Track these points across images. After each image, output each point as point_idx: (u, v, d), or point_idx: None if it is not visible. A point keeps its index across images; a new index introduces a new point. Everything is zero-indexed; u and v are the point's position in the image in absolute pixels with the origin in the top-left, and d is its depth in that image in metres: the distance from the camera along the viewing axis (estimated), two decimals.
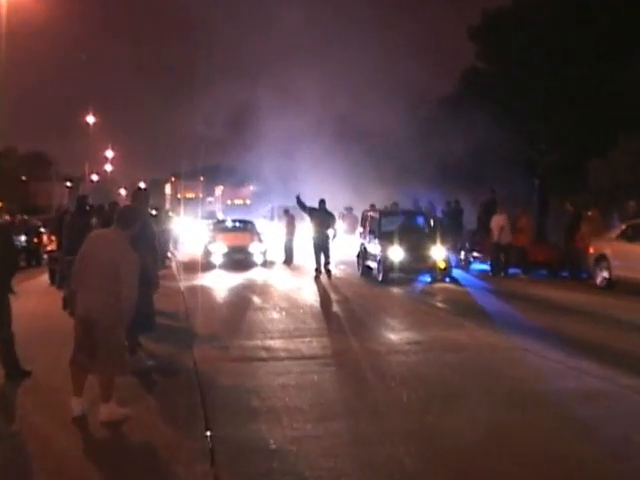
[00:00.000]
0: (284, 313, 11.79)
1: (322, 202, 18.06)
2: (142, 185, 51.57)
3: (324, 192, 19.59)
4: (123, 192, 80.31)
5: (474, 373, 7.59)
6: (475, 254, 19.88)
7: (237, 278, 17.57)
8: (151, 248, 7.54)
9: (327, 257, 17.57)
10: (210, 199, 56.04)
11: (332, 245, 17.86)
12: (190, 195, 54.82)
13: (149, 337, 8.49)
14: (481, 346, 8.94)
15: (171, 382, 7.29)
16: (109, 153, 71.71)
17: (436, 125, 28.86)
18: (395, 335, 9.81)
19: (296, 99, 33.42)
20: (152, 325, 7.98)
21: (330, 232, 17.69)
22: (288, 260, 21.80)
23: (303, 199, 18.10)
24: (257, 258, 20.78)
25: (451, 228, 19.13)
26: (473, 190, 24.21)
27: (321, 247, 17.51)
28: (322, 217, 17.66)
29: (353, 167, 32.72)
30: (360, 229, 19.64)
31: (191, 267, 20.22)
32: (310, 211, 17.93)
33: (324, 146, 33.21)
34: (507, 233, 17.77)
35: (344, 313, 11.94)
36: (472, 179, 27.02)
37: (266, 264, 20.82)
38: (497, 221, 17.94)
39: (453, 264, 17.54)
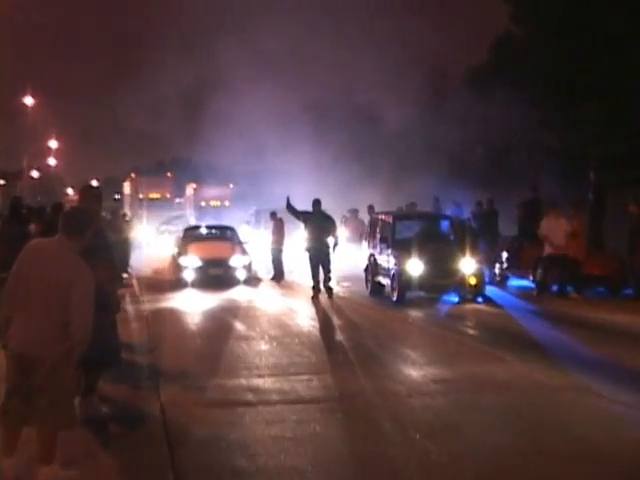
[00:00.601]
0: (275, 343, 11.74)
1: (317, 203, 17.99)
2: (94, 183, 51.42)
3: (319, 192, 19.53)
4: (70, 192, 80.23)
5: (519, 421, 7.49)
6: (512, 267, 19.73)
7: (214, 299, 17.58)
8: (108, 262, 7.39)
9: (327, 272, 17.55)
10: (180, 200, 55.97)
11: (333, 257, 17.83)
12: (155, 195, 54.71)
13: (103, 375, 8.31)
14: (526, 386, 8.90)
15: (132, 435, 7.19)
16: (53, 144, 71.81)
17: (457, 107, 28.93)
18: (416, 371, 9.75)
19: (282, 75, 33.65)
20: (119, 359, 7.84)
21: (330, 241, 17.60)
22: (278, 276, 21.81)
23: (294, 202, 18.15)
24: (239, 273, 20.76)
25: (483, 235, 19.00)
26: (503, 187, 24.18)
27: (319, 260, 17.48)
28: (319, 222, 17.61)
29: (356, 161, 32.83)
30: (367, 236, 19.60)
31: (157, 285, 20.29)
32: (304, 216, 17.86)
33: (318, 136, 33.36)
34: (562, 241, 17.50)
35: (350, 343, 11.88)
36: (502, 173, 27.04)
37: (251, 281, 20.85)
38: (556, 226, 17.68)
39: (486, 280, 17.54)
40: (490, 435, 7.04)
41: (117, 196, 65.82)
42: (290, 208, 17.97)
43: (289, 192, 18.58)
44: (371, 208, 23.44)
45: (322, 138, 33.48)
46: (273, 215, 23.23)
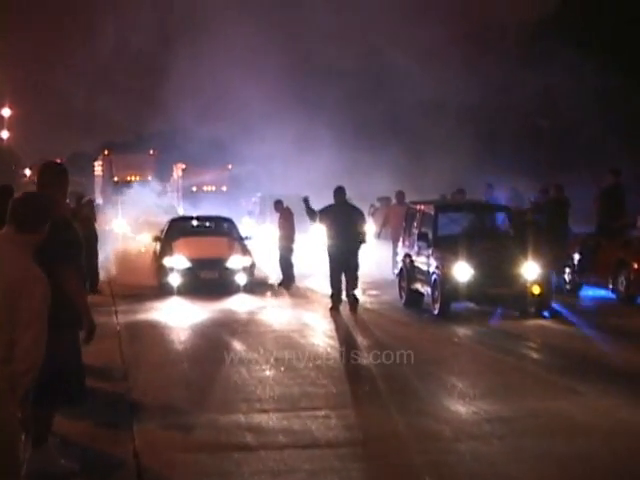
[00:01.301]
0: (283, 369, 11.69)
1: (340, 192, 17.94)
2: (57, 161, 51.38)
3: (337, 175, 19.43)
4: (28, 172, 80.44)
5: (598, 475, 7.41)
6: (587, 272, 19.56)
7: (207, 310, 17.57)
8: (73, 264, 7.28)
9: (353, 279, 17.49)
10: (165, 184, 55.93)
11: (361, 259, 17.75)
12: (133, 177, 54.71)
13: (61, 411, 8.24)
14: (607, 428, 8.79)
15: None
16: (5, 112, 71.99)
17: (510, 68, 28.90)
18: (465, 407, 9.65)
19: (290, 37, 33.89)
20: (81, 393, 7.66)
21: (357, 239, 17.47)
22: (287, 281, 21.81)
23: (306, 191, 18.27)
24: (239, 278, 20.75)
25: (551, 231, 18.78)
26: (569, 171, 24.07)
27: (343, 262, 17.38)
28: (343, 215, 17.49)
29: (381, 139, 32.90)
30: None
31: (133, 292, 20.35)
32: (323, 211, 17.85)
33: (336, 106, 33.43)
34: None
35: (379, 369, 11.80)
36: (569, 153, 26.96)
37: (253, 287, 20.80)
38: None
39: (554, 289, 17.45)
40: None
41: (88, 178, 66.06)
42: (309, 210, 17.93)
43: (302, 176, 18.53)
44: (400, 195, 23.24)
45: (341, 110, 33.54)
46: (278, 204, 23.20)
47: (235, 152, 45.29)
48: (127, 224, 40.66)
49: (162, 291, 20.23)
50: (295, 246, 22.34)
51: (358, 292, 17.79)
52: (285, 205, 22.91)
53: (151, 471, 7.41)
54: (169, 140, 60.83)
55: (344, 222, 17.37)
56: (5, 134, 75.07)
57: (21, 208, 5.91)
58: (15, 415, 5.71)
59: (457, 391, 10.41)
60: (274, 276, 22.63)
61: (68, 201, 23.22)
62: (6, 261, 5.66)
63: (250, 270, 21.03)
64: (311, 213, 17.93)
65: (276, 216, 23.35)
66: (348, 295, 17.40)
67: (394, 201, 24.61)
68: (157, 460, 7.70)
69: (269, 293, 20.70)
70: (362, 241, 17.68)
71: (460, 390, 10.46)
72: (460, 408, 9.59)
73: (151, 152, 59.91)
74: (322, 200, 18.43)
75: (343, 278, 17.47)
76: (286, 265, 22.05)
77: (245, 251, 21.46)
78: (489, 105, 30.20)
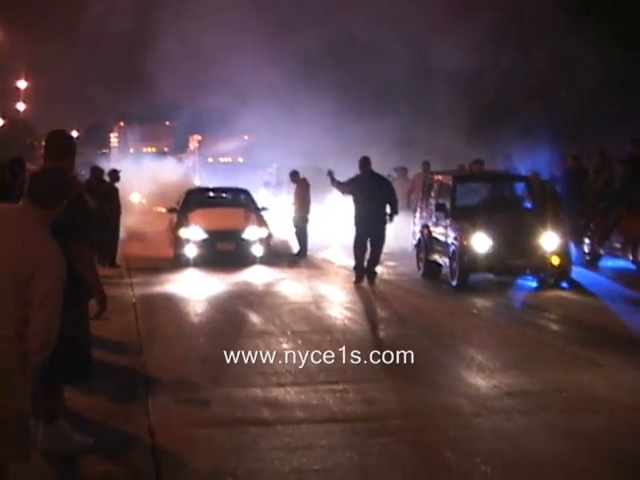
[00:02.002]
0: (300, 342, 11.67)
1: (366, 162, 17.66)
2: (74, 134, 51.47)
3: (360, 149, 19.26)
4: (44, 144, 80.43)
5: (624, 451, 7.28)
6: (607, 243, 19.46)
7: (223, 282, 17.60)
8: (87, 240, 7.21)
9: (377, 254, 17.36)
10: (181, 155, 56.05)
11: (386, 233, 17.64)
12: (149, 149, 54.85)
13: (76, 387, 8.27)
14: (634, 401, 8.72)
15: (110, 471, 7.03)
16: (22, 84, 72.08)
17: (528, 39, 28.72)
18: (485, 380, 9.58)
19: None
20: (88, 371, 7.59)
21: (385, 211, 17.32)
22: (303, 250, 21.92)
23: (325, 162, 18.19)
24: (255, 249, 20.76)
25: (570, 201, 18.65)
26: (588, 141, 23.87)
27: (370, 237, 17.20)
28: (370, 187, 17.24)
29: (402, 107, 32.81)
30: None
31: (149, 264, 20.34)
32: (349, 183, 17.67)
33: (358, 73, 33.31)
34: None
35: (398, 342, 11.72)
36: (590, 124, 26.76)
37: (270, 259, 20.80)
38: None
39: (573, 259, 17.36)
40: (585, 473, 6.87)
41: (104, 150, 66.34)
42: (336, 184, 17.78)
43: (318, 148, 18.40)
44: (426, 165, 23.19)
45: (361, 76, 33.42)
46: (294, 175, 23.31)
47: (252, 123, 45.26)
48: (143, 196, 40.65)
49: (178, 263, 20.30)
50: (310, 217, 22.37)
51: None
52: (301, 176, 22.86)
53: (166, 447, 7.35)
54: (184, 112, 60.89)
55: (372, 194, 17.11)
56: (21, 106, 75.20)
57: (39, 182, 5.82)
58: (26, 392, 5.65)
59: (476, 364, 10.35)
60: (290, 247, 22.72)
61: (83, 173, 23.10)
62: (21, 236, 5.56)
63: (266, 242, 21.06)
64: (339, 186, 17.81)
65: (293, 187, 23.36)
66: (369, 270, 17.27)
67: (419, 170, 24.69)
68: (172, 436, 7.65)
69: (285, 265, 20.68)
70: (395, 212, 17.42)
71: (480, 363, 10.41)
72: (480, 381, 9.51)
73: (167, 123, 60.04)
74: (340, 172, 18.30)
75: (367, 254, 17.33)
76: (301, 234, 22.20)
77: (261, 222, 21.47)
78: (503, 75, 29.89)
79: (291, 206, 23.06)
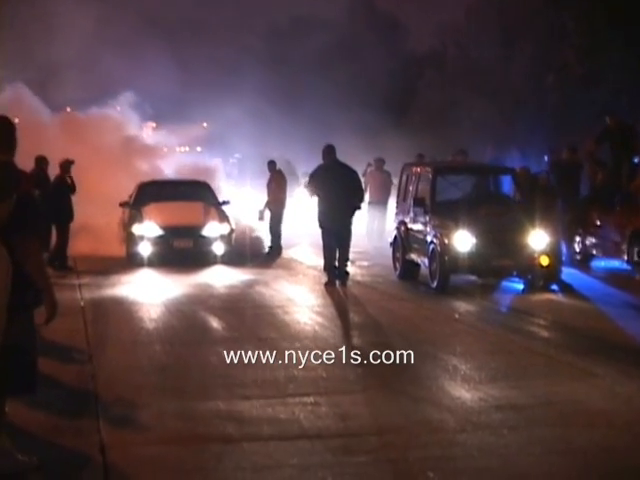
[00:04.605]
0: (267, 350, 11.57)
1: (330, 151, 17.71)
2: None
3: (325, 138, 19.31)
4: None
5: (622, 469, 7.32)
6: (596, 241, 19.64)
7: (181, 284, 17.60)
8: (36, 239, 7.11)
9: (345, 251, 17.45)
10: None
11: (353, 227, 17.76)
12: None
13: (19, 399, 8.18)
14: (634, 415, 8.76)
15: None
16: None
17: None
18: (470, 392, 9.59)
19: None
20: (33, 382, 7.51)
21: (350, 204, 17.37)
22: (276, 247, 22.05)
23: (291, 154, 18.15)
24: (216, 247, 20.77)
25: (562, 196, 18.74)
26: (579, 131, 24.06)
27: (336, 234, 17.24)
28: (334, 178, 17.26)
29: (366, 99, 32.97)
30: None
31: (98, 264, 20.26)
32: (312, 181, 17.75)
33: (327, 57, 33.44)
34: None
35: (373, 349, 11.66)
36: (581, 111, 26.97)
37: (232, 258, 20.75)
38: None
39: (564, 259, 17.47)
40: None
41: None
42: (308, 188, 18.01)
43: (282, 138, 18.50)
44: (421, 157, 23.57)
45: (331, 62, 33.54)
46: (272, 165, 23.41)
47: (210, 110, 45.35)
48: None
49: (130, 262, 20.28)
50: (284, 211, 22.58)
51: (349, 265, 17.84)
52: (277, 167, 23.17)
53: (119, 467, 7.32)
54: (138, 97, 60.52)
55: (336, 185, 17.14)
56: None
57: None
58: None
59: (460, 375, 10.38)
60: (256, 245, 22.79)
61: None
62: None
63: (228, 239, 21.05)
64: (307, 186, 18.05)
65: (263, 179, 23.48)
66: (340, 269, 17.31)
67: (372, 167, 25.58)
68: (126, 454, 7.62)
69: (249, 264, 20.62)
70: (357, 207, 17.56)
71: (464, 373, 10.44)
72: (465, 394, 9.52)
73: (118, 108, 59.70)
74: (303, 164, 18.39)
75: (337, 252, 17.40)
76: (276, 233, 22.33)
77: (223, 218, 21.46)
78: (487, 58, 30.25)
79: (264, 200, 23.06)
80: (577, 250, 19.91)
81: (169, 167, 28.90)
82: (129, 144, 29.58)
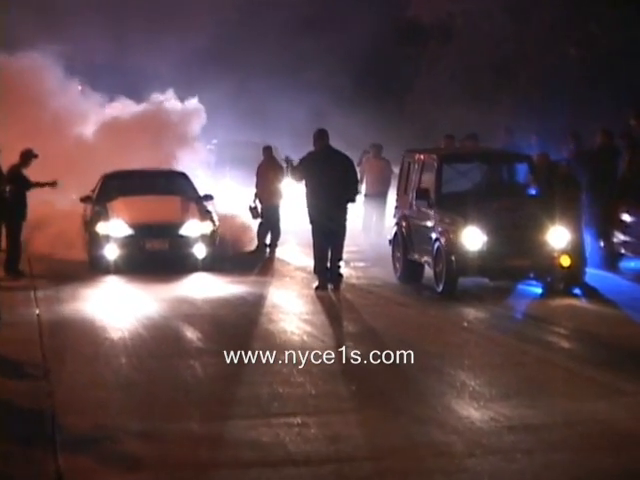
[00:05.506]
0: (248, 363, 11.66)
1: (322, 136, 17.73)
2: None
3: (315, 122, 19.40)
4: None
5: None
6: (625, 238, 19.54)
7: (155, 294, 17.38)
8: None
9: (339, 250, 17.51)
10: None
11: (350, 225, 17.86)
12: None
13: None
14: None
15: None
16: None
17: None
18: (480, 412, 9.62)
19: None
20: None
21: (344, 195, 17.42)
22: (275, 240, 22.62)
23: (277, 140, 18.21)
24: (197, 249, 20.51)
25: (591, 187, 18.72)
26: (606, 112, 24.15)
27: (328, 231, 17.30)
28: (326, 166, 17.31)
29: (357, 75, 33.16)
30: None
31: (58, 270, 20.10)
32: (300, 166, 17.76)
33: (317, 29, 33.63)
34: None
35: (370, 363, 11.76)
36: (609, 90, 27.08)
37: (216, 262, 20.59)
38: None
39: (588, 259, 17.49)
40: None
41: None
42: (290, 170, 18.06)
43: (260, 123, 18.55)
44: (450, 140, 23.61)
45: (322, 34, 33.73)
46: (267, 151, 23.55)
47: (183, 85, 45.48)
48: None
49: (94, 267, 20.02)
50: (280, 203, 22.75)
51: (343, 267, 17.85)
52: (272, 153, 23.36)
53: None
54: (100, 70, 60.41)
55: (328, 175, 17.17)
56: None
57: None
58: None
59: (469, 391, 10.41)
60: (240, 245, 22.89)
61: None
62: None
63: (211, 239, 20.72)
64: (292, 171, 18.01)
65: (244, 169, 23.50)
66: (333, 271, 17.36)
67: (369, 155, 25.65)
68: None
69: (232, 268, 20.45)
70: (351, 199, 17.60)
71: (473, 390, 10.47)
72: (474, 413, 9.54)
73: (80, 88, 59.69)
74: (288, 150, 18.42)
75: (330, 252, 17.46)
76: (275, 227, 22.65)
77: (204, 215, 21.14)
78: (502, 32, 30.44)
79: (252, 193, 23.09)
80: (607, 248, 19.64)
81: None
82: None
